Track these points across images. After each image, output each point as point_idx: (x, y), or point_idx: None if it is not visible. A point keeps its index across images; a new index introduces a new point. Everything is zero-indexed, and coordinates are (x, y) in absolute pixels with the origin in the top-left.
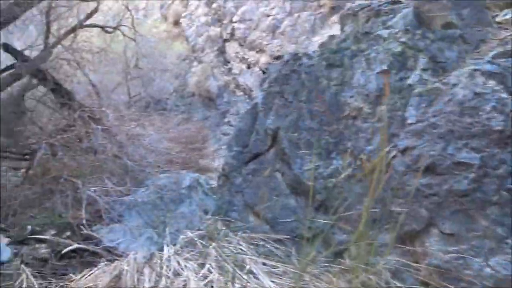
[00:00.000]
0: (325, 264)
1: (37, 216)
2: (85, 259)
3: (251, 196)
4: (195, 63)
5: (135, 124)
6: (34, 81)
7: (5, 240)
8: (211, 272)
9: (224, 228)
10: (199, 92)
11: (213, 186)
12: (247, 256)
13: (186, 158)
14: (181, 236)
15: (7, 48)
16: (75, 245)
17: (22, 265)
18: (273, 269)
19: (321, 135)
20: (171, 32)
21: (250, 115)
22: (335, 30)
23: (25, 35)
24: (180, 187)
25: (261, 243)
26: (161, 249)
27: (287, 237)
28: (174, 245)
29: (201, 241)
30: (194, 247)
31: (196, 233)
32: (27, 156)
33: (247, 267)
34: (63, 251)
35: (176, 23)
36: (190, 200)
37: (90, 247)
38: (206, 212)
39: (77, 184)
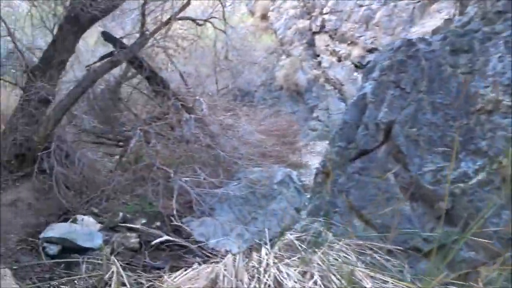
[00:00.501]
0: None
1: (129, 203)
2: (175, 252)
3: (357, 198)
4: (283, 57)
5: (228, 114)
6: (131, 69)
7: (97, 226)
8: (316, 284)
9: (325, 231)
10: (287, 86)
11: (305, 183)
12: (356, 268)
13: (279, 152)
14: (281, 238)
15: (106, 36)
16: (166, 237)
17: (112, 256)
18: (384, 285)
19: (445, 132)
20: (259, 26)
21: (357, 107)
22: (437, 20)
23: (122, 25)
24: (272, 182)
25: (369, 252)
26: (251, 247)
27: (400, 248)
28: (272, 246)
29: (302, 245)
30: (294, 251)
31: (296, 235)
32: (121, 143)
33: (357, 281)
34: (153, 243)
35: (264, 17)
36: (281, 197)
37: (181, 241)
38: (297, 211)
39: (169, 173)
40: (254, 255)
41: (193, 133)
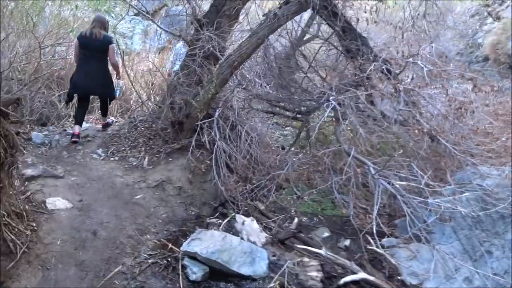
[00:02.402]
0: None
1: (305, 200)
2: None
3: None
4: (489, 20)
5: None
6: (314, 20)
7: (263, 236)
8: None
9: None
10: (495, 57)
11: None
12: None
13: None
14: None
15: None
16: (363, 276)
17: None
18: None
19: None
20: None
21: None
22: None
23: None
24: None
25: None
26: None
27: None
28: None
29: None
30: None
31: None
32: (300, 115)
33: None
34: (343, 281)
35: None
36: None
37: (382, 282)
38: None
39: (367, 167)
40: None
41: (402, 110)
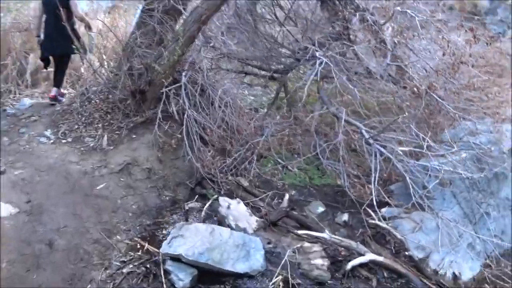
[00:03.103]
0: None
1: (290, 170)
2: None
3: None
4: None
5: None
6: None
7: (253, 221)
8: None
9: None
10: None
11: None
12: None
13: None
14: None
15: None
16: (371, 257)
17: None
18: None
19: None
20: None
21: None
22: None
23: None
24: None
25: None
26: None
27: None
28: None
29: None
30: None
31: None
32: (277, 74)
33: None
34: (350, 265)
35: None
36: None
37: (390, 262)
38: None
39: (358, 129)
40: None
41: (392, 65)
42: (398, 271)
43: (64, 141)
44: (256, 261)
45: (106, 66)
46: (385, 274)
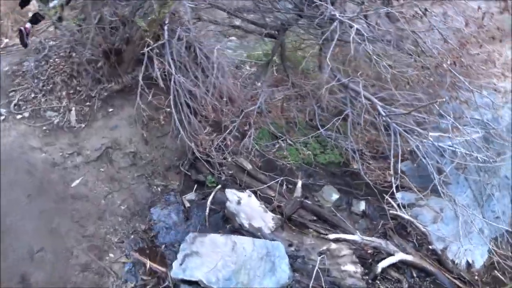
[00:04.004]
0: None
1: (293, 143)
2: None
3: None
4: None
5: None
6: None
7: (269, 218)
8: None
9: None
10: None
11: None
12: None
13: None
14: None
15: None
16: (401, 257)
17: None
18: None
19: None
20: None
21: None
22: None
23: None
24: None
25: None
26: None
27: None
28: None
29: None
30: None
31: None
32: (273, 31)
33: None
34: (380, 266)
35: None
36: None
37: (419, 260)
38: None
39: (370, 104)
40: None
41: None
42: (426, 270)
43: (19, 116)
44: (283, 272)
45: (67, 14)
46: (414, 274)
